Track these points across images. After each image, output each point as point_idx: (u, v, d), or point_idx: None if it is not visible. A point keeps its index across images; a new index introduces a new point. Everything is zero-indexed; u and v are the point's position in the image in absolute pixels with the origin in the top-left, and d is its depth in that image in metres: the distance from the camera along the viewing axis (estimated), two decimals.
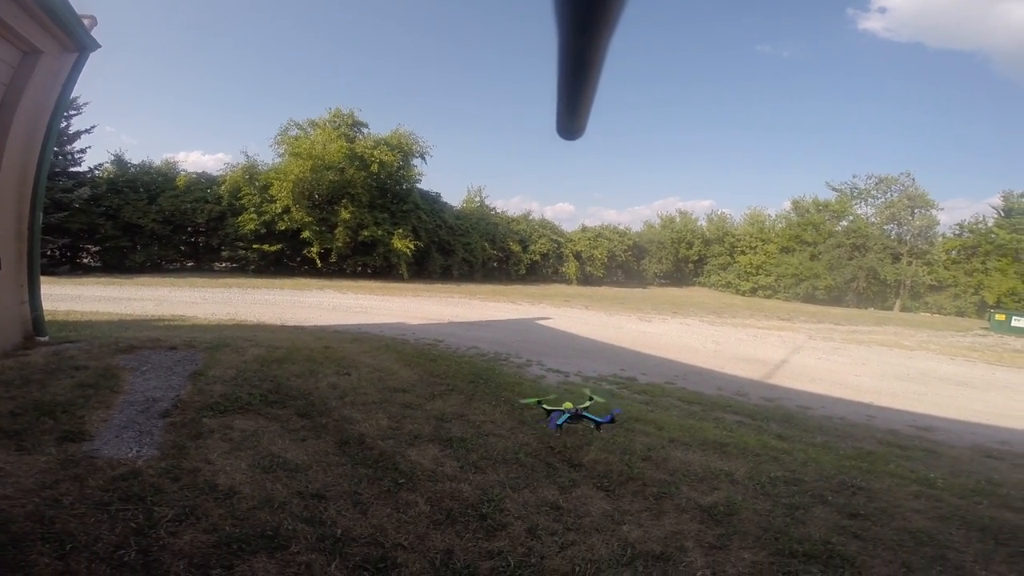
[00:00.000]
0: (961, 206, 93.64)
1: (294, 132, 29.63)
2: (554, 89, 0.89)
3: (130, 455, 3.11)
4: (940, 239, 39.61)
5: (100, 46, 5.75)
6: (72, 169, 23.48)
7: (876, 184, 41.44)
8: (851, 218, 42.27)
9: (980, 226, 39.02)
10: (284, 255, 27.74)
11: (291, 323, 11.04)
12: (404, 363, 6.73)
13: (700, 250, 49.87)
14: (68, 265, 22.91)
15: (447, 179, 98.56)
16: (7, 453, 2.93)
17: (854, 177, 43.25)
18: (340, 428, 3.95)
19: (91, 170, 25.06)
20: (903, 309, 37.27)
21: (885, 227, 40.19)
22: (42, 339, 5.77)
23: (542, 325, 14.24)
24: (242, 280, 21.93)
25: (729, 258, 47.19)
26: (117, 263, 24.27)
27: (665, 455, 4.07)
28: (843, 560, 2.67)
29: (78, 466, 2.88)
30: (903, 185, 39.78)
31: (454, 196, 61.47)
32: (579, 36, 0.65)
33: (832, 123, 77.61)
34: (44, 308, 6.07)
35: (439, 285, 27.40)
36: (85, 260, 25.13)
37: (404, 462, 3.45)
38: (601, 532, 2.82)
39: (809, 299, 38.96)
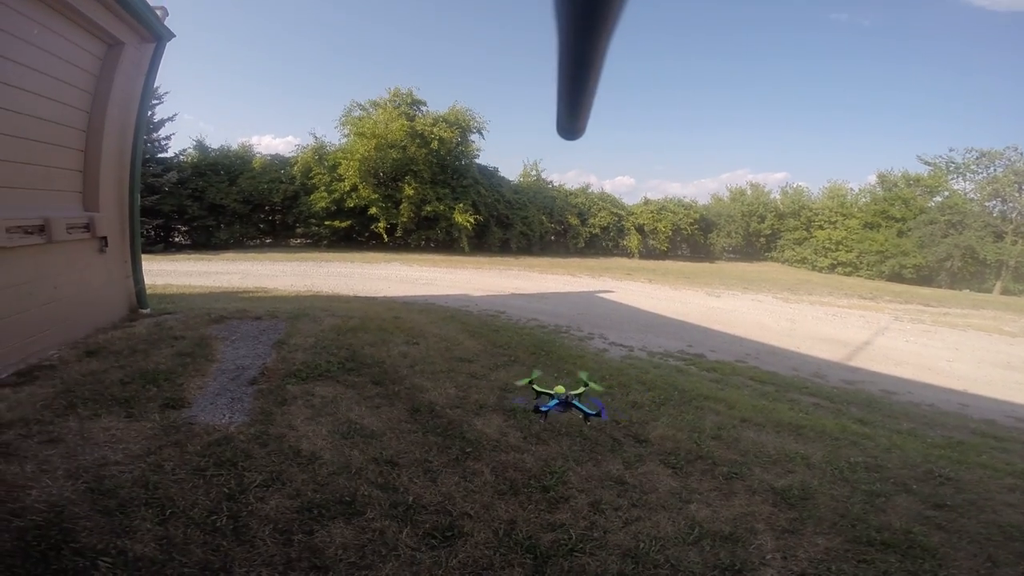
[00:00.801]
0: None
1: (357, 113, 30.47)
2: (551, 88, 0.89)
3: (223, 421, 3.26)
4: None
5: (175, 35, 6.08)
6: (160, 155, 25.64)
7: (977, 159, 37.20)
8: (946, 194, 38.38)
9: None
10: (353, 230, 29.02)
11: (362, 294, 11.36)
12: (468, 333, 6.83)
13: (773, 224, 47.06)
14: (162, 244, 25.14)
15: (504, 154, 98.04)
16: (118, 420, 3.13)
17: (951, 151, 39.08)
18: (411, 396, 4.04)
19: (176, 155, 27.21)
20: (1004, 292, 33.66)
21: (987, 204, 36.24)
22: (144, 311, 6.24)
23: (603, 298, 14.04)
24: (316, 254, 23.09)
25: (806, 232, 44.22)
26: (204, 241, 26.39)
27: (736, 435, 3.95)
28: (923, 551, 2.53)
29: (179, 432, 3.05)
30: (1008, 159, 35.50)
31: (511, 171, 61.32)
32: (579, 36, 0.65)
33: (921, 95, 70.01)
34: (145, 283, 6.55)
35: (498, 258, 27.66)
36: (176, 239, 27.32)
37: (471, 431, 3.51)
38: (667, 510, 2.79)
39: (895, 278, 35.98)
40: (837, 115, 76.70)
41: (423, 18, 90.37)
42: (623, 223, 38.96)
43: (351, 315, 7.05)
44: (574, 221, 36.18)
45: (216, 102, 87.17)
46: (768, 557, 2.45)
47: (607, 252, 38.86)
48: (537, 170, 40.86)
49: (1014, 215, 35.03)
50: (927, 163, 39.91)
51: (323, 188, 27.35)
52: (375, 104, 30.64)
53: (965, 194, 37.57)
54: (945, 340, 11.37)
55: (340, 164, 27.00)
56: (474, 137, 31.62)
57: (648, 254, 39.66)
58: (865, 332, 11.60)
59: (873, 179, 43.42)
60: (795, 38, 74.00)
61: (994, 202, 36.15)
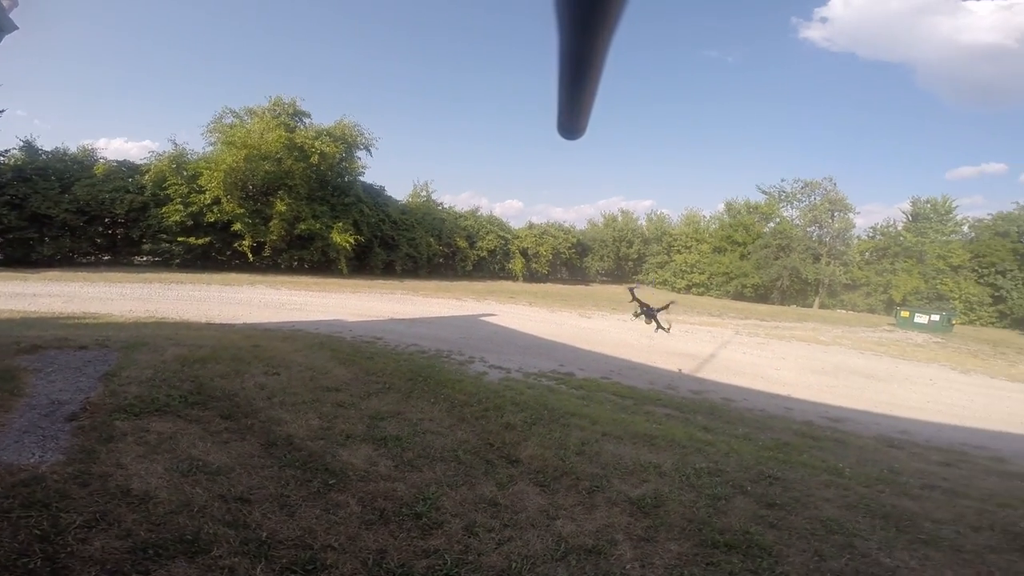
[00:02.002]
0: (876, 210, 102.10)
1: (229, 120, 28.02)
2: (551, 88, 0.88)
3: (32, 461, 2.94)
4: (856, 241, 43.00)
5: (17, 28, 5.25)
6: None
7: (801, 188, 44.41)
8: (778, 220, 45.08)
9: (890, 229, 42.90)
10: (213, 248, 26.10)
11: (218, 321, 10.46)
12: (339, 361, 6.58)
13: (640, 248, 51.72)
14: None
15: (397, 174, 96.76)
16: None
17: (782, 181, 46.26)
18: (267, 429, 3.83)
19: None
20: (822, 306, 40.19)
21: (808, 229, 43.08)
22: None
23: (486, 322, 14.26)
24: (165, 275, 20.51)
25: (666, 256, 49.14)
26: (22, 256, 21.97)
27: (598, 449, 4.20)
28: (761, 550, 2.82)
29: None
30: (825, 189, 42.84)
31: (399, 190, 60.48)
32: (579, 36, 0.65)
33: (767, 128, 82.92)
34: None
35: (381, 281, 26.77)
36: None
37: (335, 462, 3.38)
38: (536, 527, 2.87)
39: (738, 296, 41.27)
40: (697, 143, 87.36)
41: (318, 27, 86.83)
42: (509, 246, 40.06)
43: (201, 344, 6.61)
44: (463, 244, 36.35)
45: (58, 98, 75.24)
46: (628, 567, 2.59)
47: (494, 275, 39.61)
48: (428, 191, 40.38)
49: (828, 239, 41.94)
50: (764, 192, 46.80)
51: (179, 200, 24.26)
52: (251, 112, 28.31)
53: (792, 220, 44.33)
54: (775, 351, 13.21)
55: (202, 174, 24.25)
56: (361, 154, 30.45)
57: (531, 277, 41.12)
58: (711, 346, 13.10)
59: (722, 207, 49.52)
60: (670, 73, 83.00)
61: (813, 227, 43.05)
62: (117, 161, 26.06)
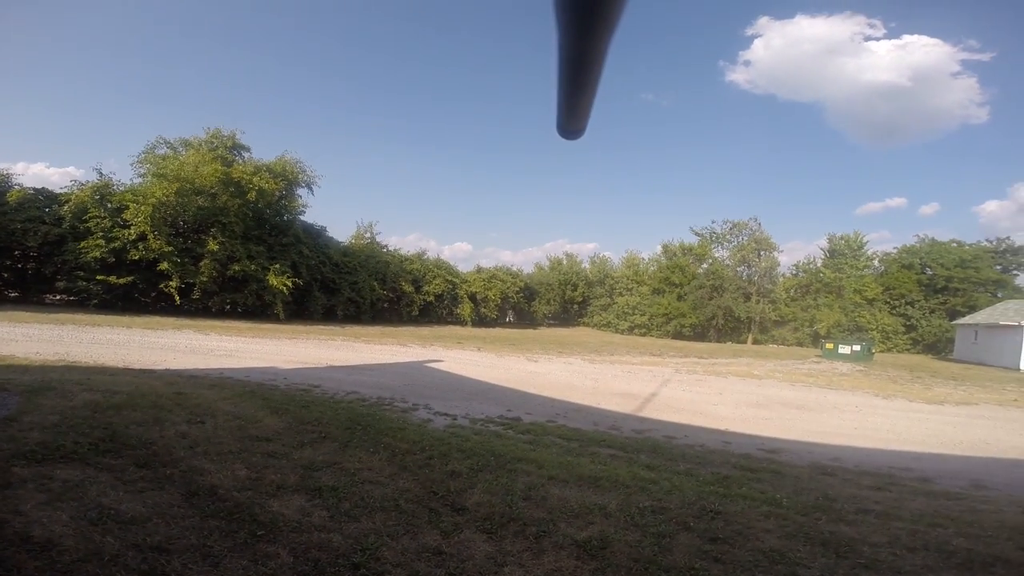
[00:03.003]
0: (798, 248, 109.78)
1: (163, 151, 26.74)
2: (550, 90, 0.89)
3: None
4: (781, 279, 46.05)
5: None
6: None
7: (730, 229, 47.50)
8: (711, 261, 47.69)
9: (811, 266, 46.38)
10: (136, 288, 24.33)
11: (137, 366, 9.85)
12: (271, 410, 6.33)
13: (584, 291, 53.12)
14: None
15: (339, 215, 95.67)
16: None
17: (713, 222, 49.40)
18: (188, 479, 3.71)
19: None
20: (755, 342, 42.37)
21: (737, 269, 45.78)
22: None
23: (431, 368, 14.01)
24: (80, 316, 18.92)
25: (609, 299, 50.66)
26: None
27: (544, 493, 4.14)
28: None
29: None
30: (751, 229, 46.04)
31: (343, 232, 59.39)
32: (579, 37, 0.65)
33: (699, 169, 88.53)
34: None
35: (320, 327, 25.85)
36: None
37: (264, 513, 3.26)
38: (484, 575, 2.80)
39: (678, 335, 42.86)
40: (635, 185, 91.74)
41: (261, 61, 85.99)
42: (457, 291, 39.90)
43: (116, 390, 6.36)
44: (408, 288, 35.79)
45: None
46: None
47: (441, 320, 39.19)
48: (372, 232, 39.95)
49: (756, 277, 44.65)
50: (697, 233, 49.64)
51: (100, 234, 22.47)
52: (187, 143, 27.14)
53: (723, 261, 46.99)
54: (712, 387, 13.69)
55: (128, 207, 22.69)
56: (302, 192, 29.81)
57: (480, 321, 41.02)
58: (653, 385, 13.43)
59: (659, 249, 51.87)
60: (608, 115, 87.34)
61: (743, 267, 45.77)
62: (34, 189, 24.10)
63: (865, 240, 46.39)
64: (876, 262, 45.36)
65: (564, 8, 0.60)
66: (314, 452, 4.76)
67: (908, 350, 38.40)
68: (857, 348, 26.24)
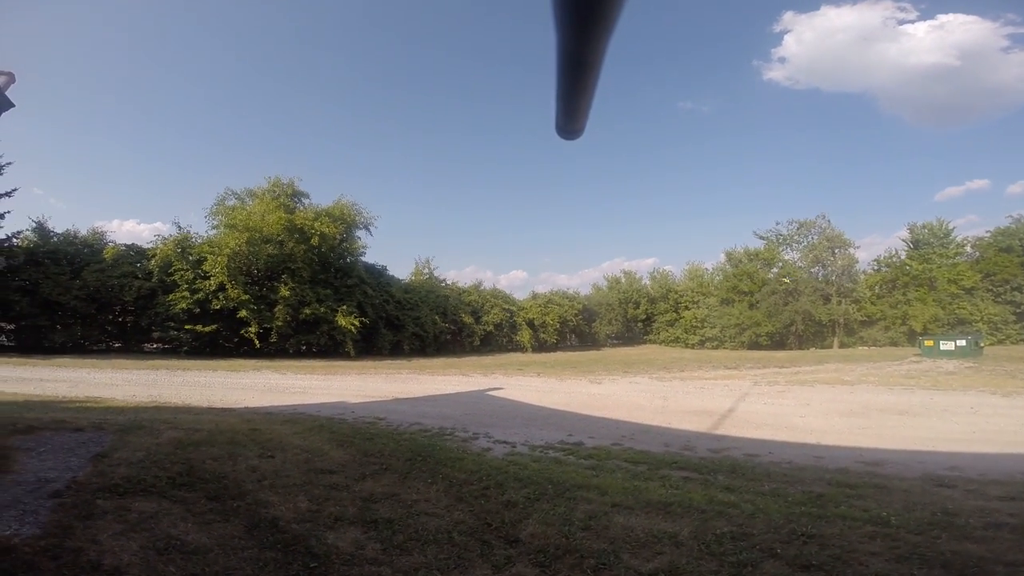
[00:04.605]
0: (876, 242, 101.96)
1: (231, 201, 28.74)
2: (550, 90, 0.89)
3: (7, 533, 3.04)
4: (863, 276, 42.51)
5: (14, 105, 5.53)
6: None
7: (797, 229, 44.55)
8: (780, 264, 44.88)
9: (894, 259, 42.56)
10: (220, 335, 26.16)
11: (219, 405, 10.45)
12: (337, 443, 6.43)
13: (647, 308, 51.39)
14: None
15: (397, 253, 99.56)
16: None
17: (777, 224, 46.48)
18: (252, 511, 3.79)
19: (9, 238, 22.96)
20: (841, 346, 39.09)
21: (811, 270, 42.79)
22: None
23: (492, 396, 13.83)
24: (172, 362, 20.50)
25: (675, 314, 48.70)
26: (34, 343, 22.13)
27: (607, 522, 3.81)
28: None
29: None
30: (820, 228, 43.03)
31: (402, 269, 61.39)
32: (578, 37, 0.65)
33: (753, 173, 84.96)
34: None
35: (388, 362, 26.49)
36: None
37: (319, 545, 3.28)
38: None
39: (754, 346, 40.29)
40: (691, 198, 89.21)
41: (311, 111, 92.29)
42: (515, 318, 40.01)
43: (198, 427, 6.53)
44: (468, 319, 36.29)
45: (76, 176, 78.13)
46: None
47: (502, 348, 39.29)
48: (430, 268, 41.12)
49: (834, 277, 41.50)
50: (761, 237, 46.86)
51: (185, 287, 24.51)
52: (252, 193, 28.95)
53: (794, 263, 44.06)
54: (797, 397, 12.56)
55: (207, 259, 24.54)
56: (360, 233, 31.12)
57: (540, 347, 40.70)
58: (729, 400, 12.49)
59: (723, 257, 49.49)
60: (649, 127, 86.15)
61: (817, 268, 42.72)
62: (125, 245, 26.73)
63: (951, 226, 42.10)
64: (968, 248, 40.89)
65: (564, 8, 0.60)
66: (374, 484, 4.76)
67: None
68: (962, 343, 23.50)
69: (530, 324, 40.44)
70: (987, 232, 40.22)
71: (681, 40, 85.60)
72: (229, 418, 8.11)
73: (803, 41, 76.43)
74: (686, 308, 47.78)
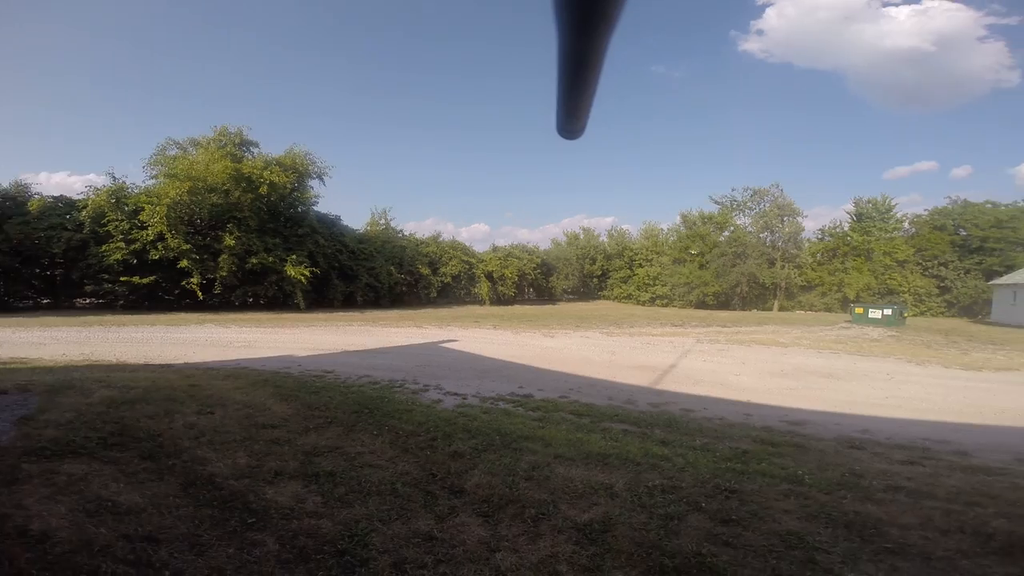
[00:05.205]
0: (824, 213, 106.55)
1: (173, 151, 27.23)
2: (550, 89, 0.89)
3: None
4: (807, 244, 44.58)
5: None
6: None
7: (751, 196, 45.97)
8: (732, 228, 46.41)
9: (838, 230, 44.75)
10: (159, 287, 25.03)
11: (157, 361, 10.05)
12: (281, 397, 6.37)
13: (603, 265, 52.41)
14: None
15: (354, 204, 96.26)
16: None
17: (732, 190, 47.78)
18: (188, 469, 3.78)
19: None
20: (781, 309, 41.35)
21: (760, 235, 44.47)
22: None
23: (446, 348, 13.93)
24: (107, 317, 19.44)
25: (629, 271, 49.91)
26: None
27: (548, 473, 3.97)
28: (713, 573, 2.60)
29: None
30: (773, 196, 44.52)
31: (359, 220, 59.53)
32: (579, 36, 0.65)
33: (715, 139, 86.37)
34: None
35: (340, 314, 26.07)
36: None
37: (257, 501, 3.28)
38: (474, 561, 2.68)
39: (701, 305, 42.06)
40: (652, 158, 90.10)
41: (265, 54, 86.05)
42: (474, 271, 39.99)
43: (133, 385, 6.43)
44: (425, 271, 36.04)
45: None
46: None
47: (460, 300, 39.44)
48: (386, 218, 40.38)
49: (780, 243, 43.37)
50: (716, 202, 48.17)
51: (120, 237, 23.14)
52: (195, 143, 27.61)
53: (745, 228, 45.66)
54: (735, 356, 13.29)
55: (144, 209, 23.28)
56: (313, 183, 30.04)
57: (498, 300, 41.04)
58: (672, 356, 13.11)
59: (678, 218, 50.67)
60: (620, 88, 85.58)
61: (766, 233, 44.43)
62: (53, 197, 24.73)
63: (894, 203, 44.40)
64: (906, 224, 43.47)
65: (564, 8, 0.60)
66: (318, 437, 4.75)
67: (943, 313, 36.91)
68: (888, 312, 25.24)
69: (489, 277, 40.58)
70: (925, 211, 42.77)
71: (663, 5, 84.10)
72: (167, 374, 7.93)
73: (784, 15, 77.55)
74: (640, 266, 48.99)
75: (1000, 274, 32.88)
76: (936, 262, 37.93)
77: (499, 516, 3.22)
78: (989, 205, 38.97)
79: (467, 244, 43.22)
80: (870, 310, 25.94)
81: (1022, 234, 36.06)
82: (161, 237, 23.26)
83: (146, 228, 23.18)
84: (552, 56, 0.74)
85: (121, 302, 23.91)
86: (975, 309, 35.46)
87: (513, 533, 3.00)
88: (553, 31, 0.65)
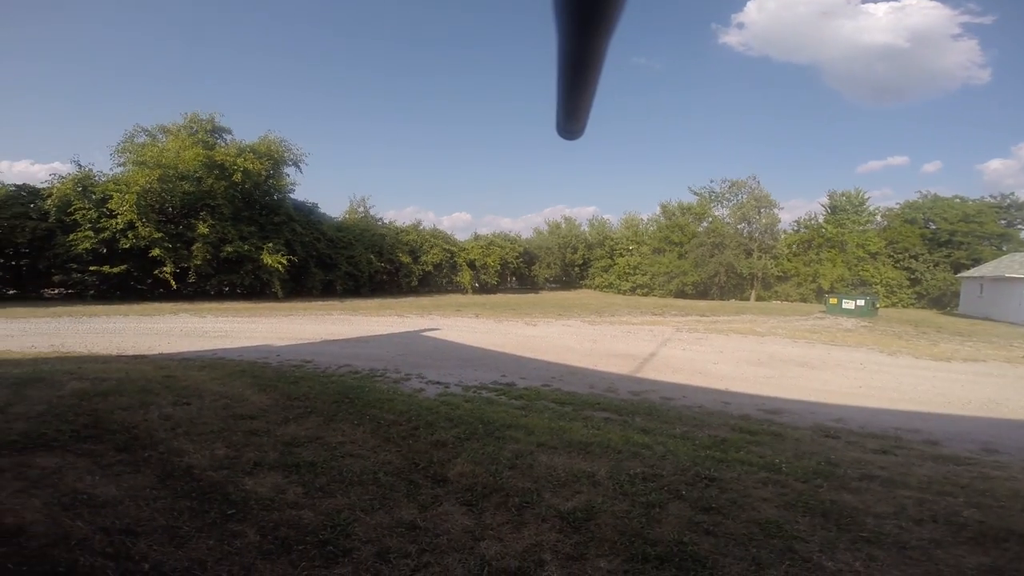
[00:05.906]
0: (799, 205, 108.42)
1: (142, 139, 26.44)
2: (549, 89, 0.89)
3: None
4: (783, 235, 45.38)
5: None
6: None
7: (729, 187, 46.55)
8: (710, 219, 46.96)
9: (812, 222, 45.63)
10: (131, 277, 24.25)
11: (130, 352, 9.81)
12: (259, 388, 6.29)
13: (584, 254, 52.66)
14: None
15: (333, 192, 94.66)
16: None
17: (711, 182, 48.29)
18: (165, 461, 3.74)
19: None
20: (758, 299, 42.11)
21: (738, 226, 45.09)
22: None
23: (428, 337, 13.86)
24: (77, 308, 18.82)
25: (610, 260, 50.22)
26: None
27: (532, 461, 3.99)
28: (695, 561, 2.63)
29: None
30: (750, 187, 45.09)
31: (337, 208, 58.59)
32: (579, 37, 0.65)
33: (694, 131, 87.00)
34: None
35: (319, 303, 25.70)
36: None
37: (236, 492, 3.25)
38: (459, 550, 2.69)
39: (680, 294, 42.59)
40: (633, 150, 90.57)
41: (239, 39, 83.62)
42: (456, 259, 39.67)
43: (105, 377, 6.43)
44: (406, 259, 35.64)
45: None
46: None
47: (441, 289, 39.18)
48: (365, 206, 39.85)
49: (757, 234, 44.06)
50: (695, 193, 48.68)
51: (88, 226, 22.32)
52: (165, 130, 26.95)
53: (723, 219, 46.27)
54: (713, 345, 13.51)
55: (112, 197, 22.44)
56: (290, 170, 29.38)
57: (480, 289, 40.93)
58: (652, 345, 13.26)
59: (658, 209, 51.05)
60: (603, 80, 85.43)
61: (743, 224, 45.07)
62: (16, 185, 23.71)
63: (867, 197, 45.40)
64: (879, 217, 44.60)
65: (564, 9, 0.59)
66: (298, 428, 4.71)
67: (913, 304, 38.00)
68: (861, 303, 25.81)
69: (471, 265, 40.34)
70: (897, 204, 43.91)
71: None
72: (141, 365, 7.76)
73: (765, 9, 77.91)
74: (620, 255, 49.32)
75: (967, 267, 33.95)
76: (907, 255, 38.97)
77: (483, 505, 3.23)
78: (958, 200, 40.11)
79: (449, 232, 42.89)
80: (844, 301, 26.51)
81: (988, 228, 37.25)
82: (131, 226, 22.45)
83: (115, 217, 22.30)
84: (552, 56, 0.74)
85: (92, 292, 23.11)
86: (944, 301, 36.58)
87: (497, 522, 3.02)
88: (553, 32, 0.65)
